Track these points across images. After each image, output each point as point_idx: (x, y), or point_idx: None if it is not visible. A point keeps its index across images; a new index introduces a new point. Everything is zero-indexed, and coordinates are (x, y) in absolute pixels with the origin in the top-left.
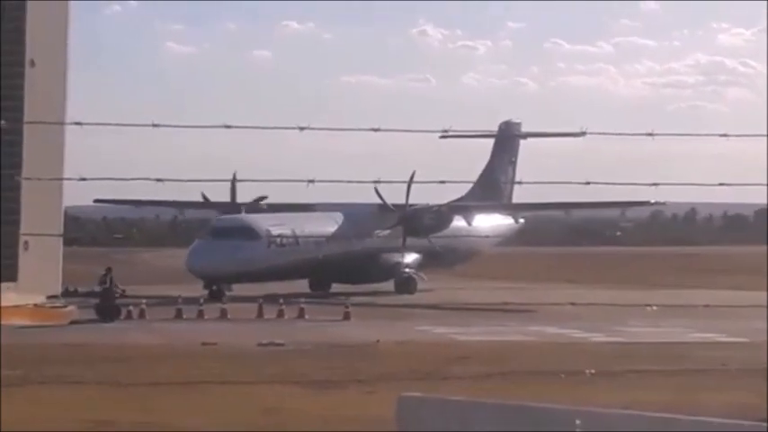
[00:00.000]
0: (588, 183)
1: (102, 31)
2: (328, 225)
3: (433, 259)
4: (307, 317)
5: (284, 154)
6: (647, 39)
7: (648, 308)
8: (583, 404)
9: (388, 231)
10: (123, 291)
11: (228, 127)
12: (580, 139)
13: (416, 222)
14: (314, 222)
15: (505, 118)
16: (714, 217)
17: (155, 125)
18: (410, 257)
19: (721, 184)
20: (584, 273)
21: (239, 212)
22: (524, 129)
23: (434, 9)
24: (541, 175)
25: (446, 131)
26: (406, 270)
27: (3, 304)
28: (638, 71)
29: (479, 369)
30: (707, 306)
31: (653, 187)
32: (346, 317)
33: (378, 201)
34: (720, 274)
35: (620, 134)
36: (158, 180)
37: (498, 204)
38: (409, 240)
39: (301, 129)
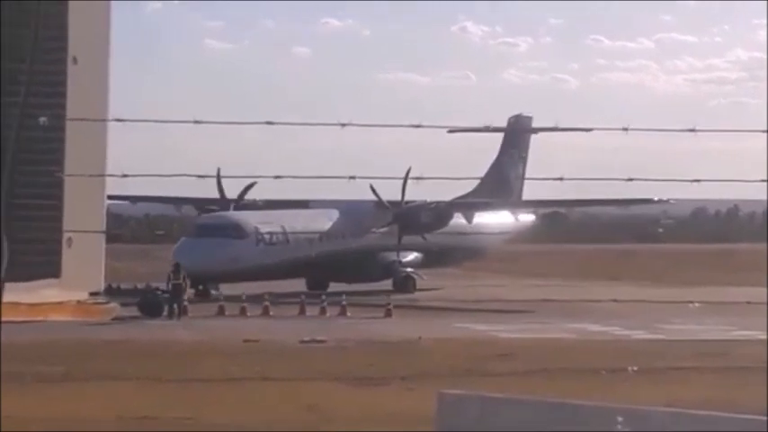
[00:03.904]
0: (631, 179)
1: (143, 28)
2: (321, 222)
3: (434, 258)
4: (349, 314)
5: (326, 150)
6: (688, 35)
7: (691, 305)
8: (624, 402)
9: (385, 229)
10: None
11: (270, 123)
12: (621, 134)
13: (412, 220)
14: (306, 220)
15: (546, 114)
16: (756, 214)
17: (196, 122)
18: (410, 256)
19: (764, 181)
20: (625, 270)
21: (228, 209)
22: (565, 124)
23: (474, 6)
24: (571, 171)
25: (487, 127)
26: (405, 269)
27: (46, 300)
28: (679, 67)
29: (520, 366)
30: (749, 303)
31: (695, 183)
32: (388, 314)
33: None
34: (762, 271)
35: (662, 130)
36: (200, 177)
37: (502, 201)
38: (411, 238)
39: (343, 125)
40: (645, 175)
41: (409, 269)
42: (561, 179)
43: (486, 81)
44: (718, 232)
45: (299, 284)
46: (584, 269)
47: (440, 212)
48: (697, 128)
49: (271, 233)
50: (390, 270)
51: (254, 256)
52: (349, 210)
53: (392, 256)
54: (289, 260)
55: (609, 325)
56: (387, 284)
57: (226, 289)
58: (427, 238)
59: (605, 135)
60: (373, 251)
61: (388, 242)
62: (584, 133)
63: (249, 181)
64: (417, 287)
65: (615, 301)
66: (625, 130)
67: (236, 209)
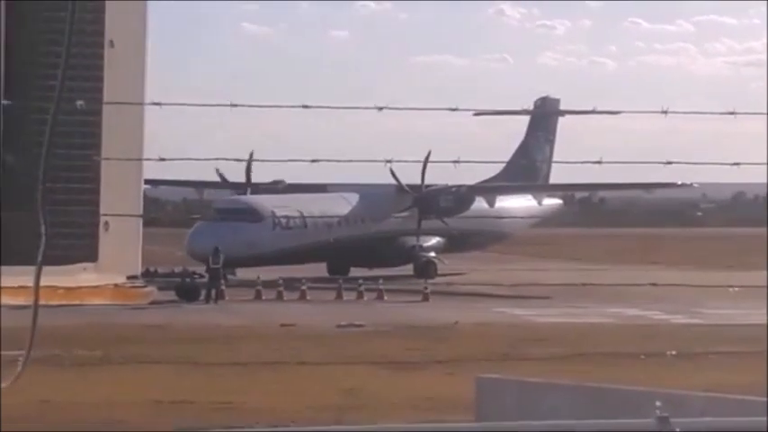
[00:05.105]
0: (669, 162)
1: (180, 11)
2: (340, 206)
3: (456, 242)
4: (386, 298)
5: (361, 134)
6: (727, 17)
7: (730, 289)
8: (663, 386)
9: (405, 213)
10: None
11: (306, 107)
12: (659, 118)
13: (432, 204)
14: (324, 204)
15: (584, 97)
16: None
17: (233, 105)
18: (431, 240)
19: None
20: (663, 254)
21: (252, 193)
22: (602, 108)
23: None
24: (606, 155)
25: (514, 110)
26: (426, 254)
27: (83, 284)
28: (718, 50)
29: (557, 351)
30: None
31: (735, 167)
32: (425, 298)
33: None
34: None
35: (701, 113)
36: (237, 160)
37: (525, 185)
38: (433, 223)
39: (380, 109)
40: (684, 159)
41: (431, 254)
42: (600, 162)
43: (523, 64)
44: (757, 216)
45: (319, 269)
46: (622, 253)
47: (460, 196)
48: (737, 111)
49: (287, 217)
50: (411, 255)
51: (270, 241)
52: (368, 194)
53: (412, 240)
54: (307, 245)
55: (647, 309)
56: (408, 269)
57: (263, 273)
58: (448, 223)
59: (643, 119)
60: (393, 236)
61: (408, 227)
62: (623, 117)
63: (284, 165)
64: (439, 272)
65: (654, 285)
66: (664, 113)
67: (253, 193)
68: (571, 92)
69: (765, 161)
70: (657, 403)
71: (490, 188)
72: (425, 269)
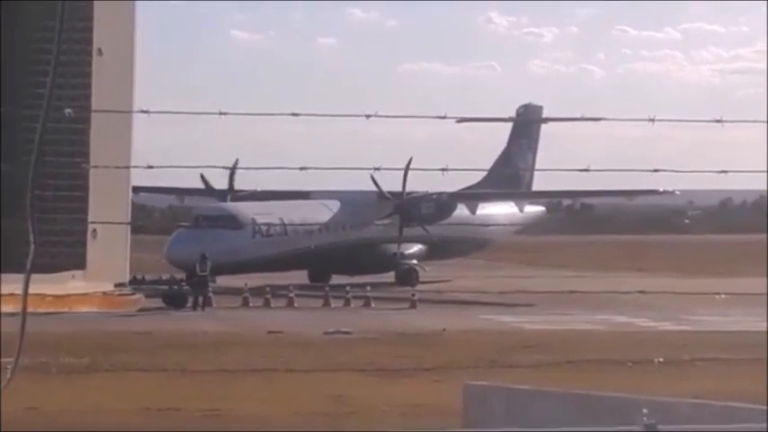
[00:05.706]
0: (656, 170)
1: (170, 19)
2: (321, 214)
3: (438, 249)
4: (373, 305)
5: (351, 142)
6: (715, 24)
7: (717, 296)
8: (650, 393)
9: (386, 220)
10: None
11: (296, 115)
12: (647, 126)
13: (413, 211)
14: (305, 211)
15: (568, 104)
16: None
17: (221, 113)
18: (413, 248)
19: (763, 171)
20: (651, 261)
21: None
22: (590, 115)
23: None
24: (590, 162)
25: (506, 117)
26: (407, 261)
27: (71, 292)
28: (706, 57)
29: (545, 358)
30: None
31: (722, 174)
32: (413, 305)
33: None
34: None
35: (687, 120)
36: (225, 168)
37: (506, 192)
38: (415, 230)
39: (368, 116)
40: (671, 166)
41: (413, 261)
42: (587, 170)
43: (511, 71)
44: (744, 222)
45: (300, 276)
46: (609, 260)
47: (441, 204)
48: (723, 119)
49: (268, 224)
50: (392, 262)
51: (250, 248)
52: (350, 201)
53: (394, 248)
54: (287, 252)
55: (635, 316)
56: (389, 276)
57: (250, 280)
58: (429, 230)
59: (631, 126)
60: (375, 243)
61: (390, 234)
62: (610, 125)
63: (273, 171)
64: (421, 279)
65: (642, 292)
66: (651, 120)
67: (233, 200)
68: (559, 99)
69: (753, 168)
70: (644, 410)
71: (471, 195)
72: (407, 276)
